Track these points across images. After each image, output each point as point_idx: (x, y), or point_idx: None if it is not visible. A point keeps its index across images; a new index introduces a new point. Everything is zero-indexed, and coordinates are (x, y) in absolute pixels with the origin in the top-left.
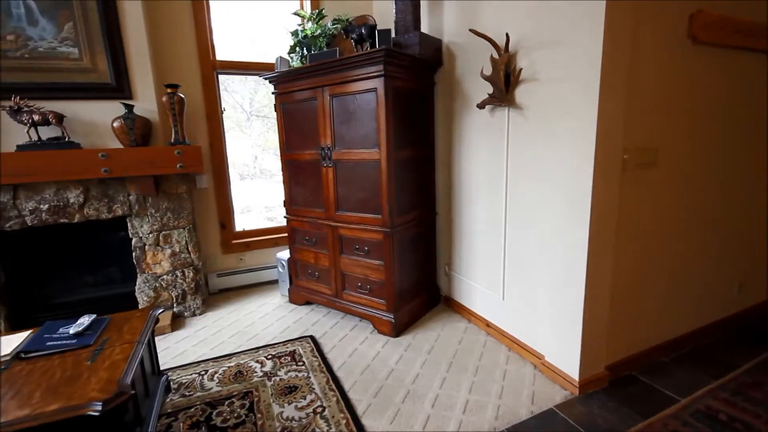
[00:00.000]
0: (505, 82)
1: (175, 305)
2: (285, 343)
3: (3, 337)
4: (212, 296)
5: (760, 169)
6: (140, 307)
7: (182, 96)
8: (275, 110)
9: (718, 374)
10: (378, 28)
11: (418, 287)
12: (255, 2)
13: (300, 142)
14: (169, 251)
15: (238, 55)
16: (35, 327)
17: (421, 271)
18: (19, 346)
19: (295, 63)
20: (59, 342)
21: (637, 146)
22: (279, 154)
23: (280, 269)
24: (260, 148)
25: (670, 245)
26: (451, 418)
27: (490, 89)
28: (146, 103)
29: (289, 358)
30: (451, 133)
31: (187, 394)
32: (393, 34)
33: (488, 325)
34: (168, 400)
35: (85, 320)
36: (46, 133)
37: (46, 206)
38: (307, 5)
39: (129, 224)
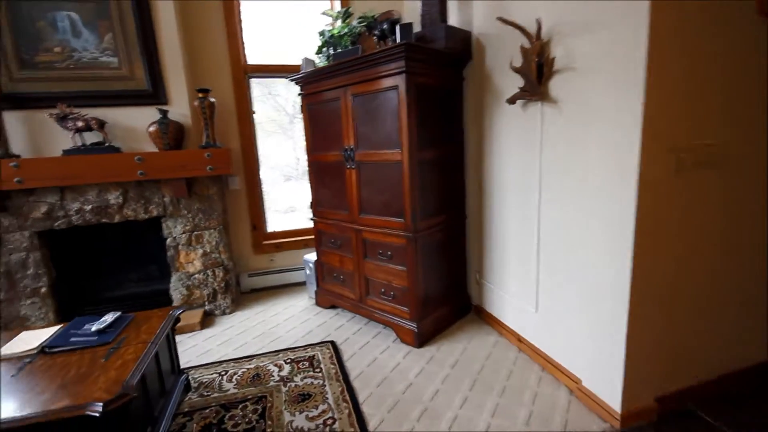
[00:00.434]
0: (537, 74)
1: (206, 303)
2: (305, 347)
3: (36, 331)
4: (244, 295)
5: None
6: (174, 304)
7: (213, 100)
8: (301, 112)
9: None
10: (401, 22)
11: (445, 295)
12: (286, 3)
13: (324, 144)
14: (200, 251)
15: (268, 59)
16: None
17: (449, 279)
18: (46, 341)
19: (321, 63)
20: (82, 339)
21: (697, 143)
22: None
23: (307, 271)
24: (303, 150)
25: (751, 256)
26: None
27: (521, 82)
28: (180, 107)
29: (307, 364)
30: (482, 131)
31: (206, 394)
32: (419, 28)
33: (520, 340)
34: (187, 399)
35: (108, 317)
36: (90, 138)
37: (90, 207)
38: (337, 5)
39: (164, 225)
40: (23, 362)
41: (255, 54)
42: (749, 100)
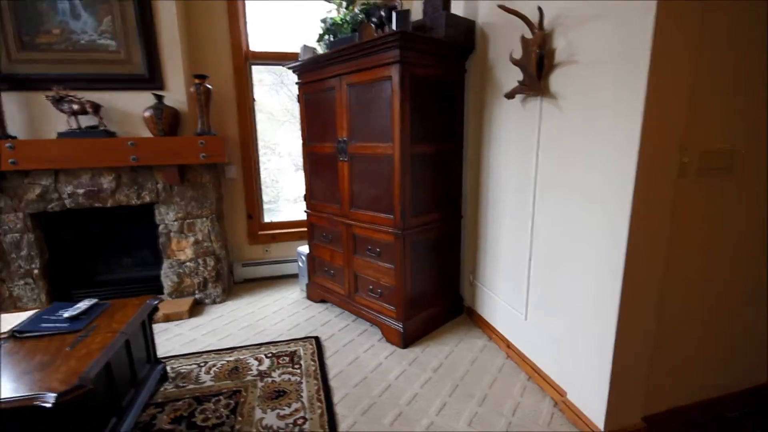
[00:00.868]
0: (537, 67)
1: (196, 292)
2: (289, 342)
3: (18, 314)
4: (237, 285)
5: None
6: (165, 291)
7: (209, 86)
8: (298, 101)
9: None
10: (399, 9)
11: (436, 295)
12: None
13: (319, 134)
14: (192, 239)
15: (272, 45)
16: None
17: (441, 278)
18: (17, 325)
19: (322, 52)
20: (52, 325)
21: (705, 147)
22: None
23: (300, 264)
24: None
25: (747, 272)
26: None
27: (521, 76)
28: (176, 93)
29: (287, 359)
30: (481, 128)
31: (182, 385)
32: (421, 16)
33: (509, 346)
34: (162, 389)
35: (83, 304)
36: (86, 122)
37: (83, 191)
38: None
39: (156, 211)
40: None
41: (258, 40)
42: (760, 102)
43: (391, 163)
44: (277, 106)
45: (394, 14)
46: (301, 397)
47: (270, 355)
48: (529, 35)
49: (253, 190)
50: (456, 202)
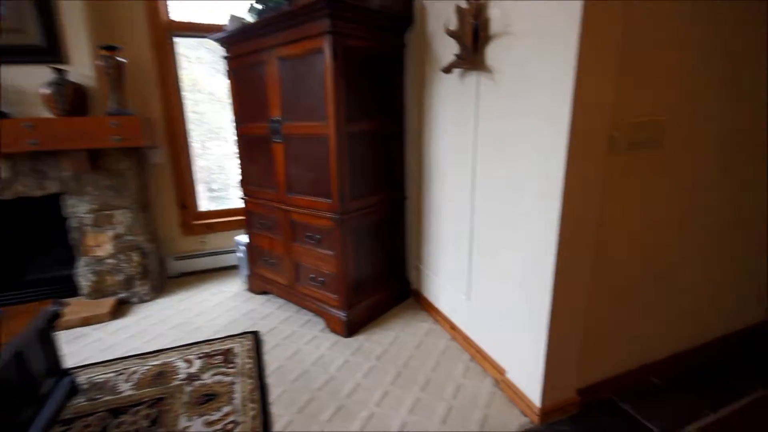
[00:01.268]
0: (473, 39)
1: (120, 291)
2: (224, 339)
3: None
4: (171, 281)
5: None
6: (82, 291)
7: (122, 60)
8: (227, 77)
9: (720, 403)
10: None
11: (381, 280)
12: None
13: (251, 114)
14: (111, 233)
15: (198, 16)
16: None
17: (386, 263)
18: None
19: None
20: None
21: (634, 120)
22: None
23: (239, 254)
24: None
25: (672, 245)
26: None
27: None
28: (82, 67)
29: (221, 358)
30: (422, 104)
31: (96, 397)
32: None
33: (453, 328)
34: (73, 403)
35: None
36: None
37: None
38: None
39: (64, 203)
40: None
41: (182, 10)
42: (695, 74)
43: (327, 143)
44: (219, 87)
45: None
46: (234, 399)
47: (202, 355)
48: (464, 4)
49: (185, 176)
50: (399, 184)
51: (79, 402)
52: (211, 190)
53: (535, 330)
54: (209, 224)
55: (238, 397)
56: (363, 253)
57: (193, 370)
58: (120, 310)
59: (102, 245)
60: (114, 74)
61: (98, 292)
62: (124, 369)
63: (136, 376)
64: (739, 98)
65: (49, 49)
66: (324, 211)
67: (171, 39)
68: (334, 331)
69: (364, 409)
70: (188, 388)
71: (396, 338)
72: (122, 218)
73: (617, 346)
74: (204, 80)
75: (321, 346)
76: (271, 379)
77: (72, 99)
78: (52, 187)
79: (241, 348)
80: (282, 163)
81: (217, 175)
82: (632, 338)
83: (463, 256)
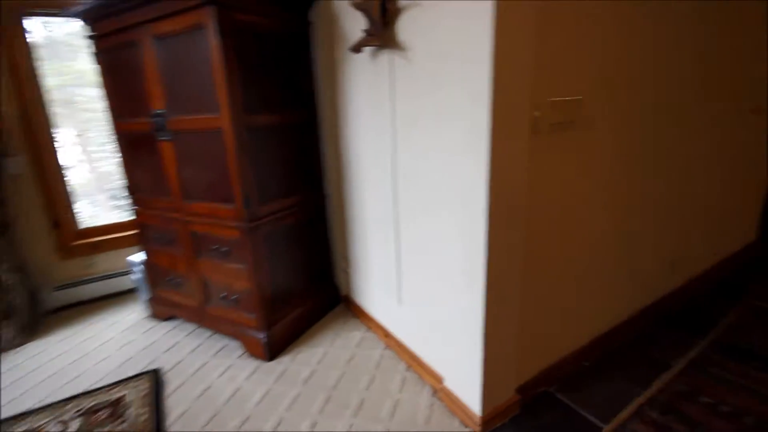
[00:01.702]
0: (381, 11)
1: None
2: (113, 386)
3: None
4: (50, 317)
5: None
6: None
7: None
8: (96, 63)
9: (648, 379)
10: None
11: (306, 291)
12: None
13: (130, 107)
14: None
15: None
16: None
17: (310, 270)
18: None
19: None
20: None
21: (555, 99)
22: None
23: (135, 276)
24: None
25: (595, 227)
26: None
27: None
28: None
29: (108, 412)
30: (335, 90)
31: None
32: None
33: (387, 335)
34: None
35: None
36: None
37: None
38: None
39: None
40: None
41: None
42: (618, 50)
43: (223, 139)
44: None
45: None
46: None
47: (82, 411)
48: None
49: (55, 188)
50: (318, 181)
51: None
52: (114, 198)
53: (469, 331)
54: (95, 243)
55: None
56: (281, 264)
57: None
58: None
59: None
60: None
61: None
62: None
63: None
64: (663, 76)
65: None
66: (228, 220)
67: (21, 21)
68: (254, 355)
69: None
70: None
71: (325, 355)
72: None
73: (551, 334)
74: (89, 73)
75: (238, 377)
76: (174, 429)
77: None
78: None
79: (135, 395)
80: (173, 164)
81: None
82: (564, 323)
83: (391, 256)
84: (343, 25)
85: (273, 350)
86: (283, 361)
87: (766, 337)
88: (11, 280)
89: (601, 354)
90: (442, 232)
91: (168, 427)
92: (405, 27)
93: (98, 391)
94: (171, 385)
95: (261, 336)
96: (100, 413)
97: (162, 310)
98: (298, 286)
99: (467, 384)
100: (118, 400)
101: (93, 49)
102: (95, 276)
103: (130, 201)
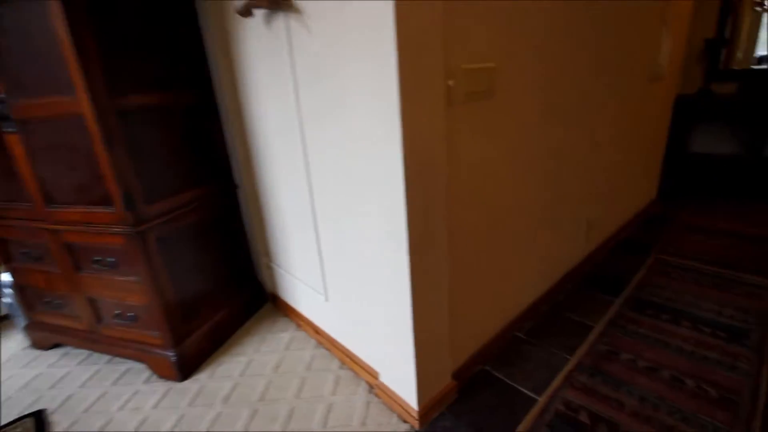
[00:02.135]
0: None
1: None
2: None
3: None
4: None
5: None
6: None
7: None
8: None
9: (574, 343)
10: None
11: (223, 294)
12: None
13: None
14: None
15: None
16: None
17: (227, 270)
18: None
19: None
20: None
21: (468, 66)
22: None
23: (5, 300)
24: None
25: (517, 197)
26: None
27: None
28: None
29: None
30: (232, 63)
31: None
32: None
33: (318, 332)
34: None
35: None
36: None
37: None
38: None
39: None
40: None
41: None
42: (522, 24)
43: (85, 126)
44: None
45: None
46: None
47: None
48: None
49: None
50: (226, 170)
51: None
52: None
53: (398, 320)
54: None
55: None
56: (185, 269)
57: None
58: None
59: None
60: None
61: None
62: None
63: None
64: (567, 48)
65: None
66: (108, 225)
67: None
68: (163, 377)
69: None
70: None
71: (249, 363)
72: None
73: (482, 312)
74: None
75: (144, 406)
76: None
77: None
78: None
79: None
80: (26, 162)
81: None
82: (495, 299)
83: (312, 246)
84: None
85: (186, 368)
86: (200, 379)
87: (672, 290)
88: None
89: (531, 325)
90: (362, 218)
91: None
92: None
93: None
94: (59, 427)
95: (169, 354)
96: None
97: (44, 338)
98: (213, 290)
99: (402, 377)
100: None
101: None
102: None
103: None
